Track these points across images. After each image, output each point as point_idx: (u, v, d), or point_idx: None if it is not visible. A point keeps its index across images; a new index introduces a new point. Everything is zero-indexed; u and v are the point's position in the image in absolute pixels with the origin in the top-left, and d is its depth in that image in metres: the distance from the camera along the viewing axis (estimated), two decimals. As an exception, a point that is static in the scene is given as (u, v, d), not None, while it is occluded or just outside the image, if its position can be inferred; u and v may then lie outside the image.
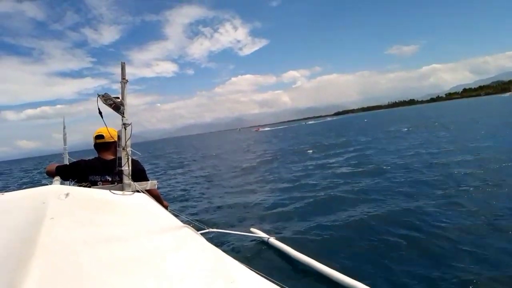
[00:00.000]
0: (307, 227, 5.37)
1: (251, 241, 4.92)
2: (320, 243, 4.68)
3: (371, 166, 10.46)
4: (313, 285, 3.46)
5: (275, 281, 1.14)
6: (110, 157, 2.63)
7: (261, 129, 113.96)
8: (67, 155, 3.95)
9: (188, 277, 1.04)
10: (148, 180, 2.44)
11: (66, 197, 1.39)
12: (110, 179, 2.48)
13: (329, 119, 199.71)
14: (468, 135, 15.36)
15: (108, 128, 2.54)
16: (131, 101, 2.26)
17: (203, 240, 1.45)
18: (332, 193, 7.43)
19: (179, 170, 17.64)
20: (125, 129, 2.15)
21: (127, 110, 2.18)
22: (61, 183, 2.54)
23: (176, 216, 1.82)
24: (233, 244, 4.92)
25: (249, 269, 1.19)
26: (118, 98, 2.14)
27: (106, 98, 2.07)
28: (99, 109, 2.07)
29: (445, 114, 43.45)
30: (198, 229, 2.85)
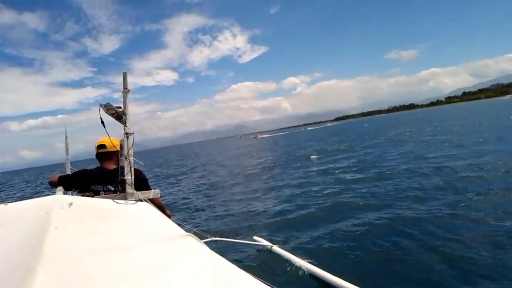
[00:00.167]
0: (311, 235, 5.34)
1: (254, 249, 4.89)
2: (324, 250, 4.65)
3: (375, 171, 10.42)
4: (317, 293, 3.45)
5: None
6: (112, 166, 2.63)
7: (259, 136, 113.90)
8: (69, 165, 3.95)
9: (193, 286, 1.03)
10: (151, 189, 2.44)
11: (69, 207, 1.39)
12: (112, 188, 2.47)
13: (329, 124, 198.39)
14: (473, 138, 15.26)
15: (110, 138, 2.55)
16: (133, 110, 2.27)
17: (206, 248, 1.45)
18: (335, 200, 7.39)
19: (181, 178, 17.62)
20: (127, 139, 2.15)
21: (129, 119, 2.19)
22: (64, 193, 2.54)
23: (179, 225, 1.82)
24: (236, 252, 4.90)
25: (253, 278, 1.19)
26: (120, 107, 2.15)
27: (108, 108, 2.08)
28: (101, 118, 2.08)
29: (447, 117, 43.23)
30: (201, 237, 2.85)
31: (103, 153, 2.67)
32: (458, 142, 14.68)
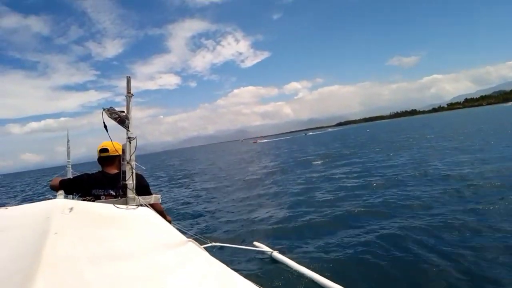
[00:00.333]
0: (313, 242, 5.31)
1: (255, 255, 4.86)
2: (326, 258, 4.60)
3: (379, 178, 10.30)
4: (318, 300, 3.41)
5: None
6: (114, 171, 2.63)
7: (259, 141, 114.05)
8: (70, 168, 3.95)
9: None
10: (152, 195, 2.43)
11: (70, 212, 1.39)
12: (113, 193, 2.47)
13: (330, 130, 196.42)
14: (478, 145, 15.17)
15: (113, 142, 2.55)
16: (135, 114, 2.27)
17: (207, 254, 1.44)
18: (339, 206, 7.31)
19: (182, 183, 17.58)
20: (130, 143, 2.15)
21: (132, 124, 2.19)
22: (65, 197, 2.54)
23: (179, 230, 1.81)
24: (236, 258, 4.87)
25: (254, 285, 1.18)
26: (123, 112, 2.15)
27: (111, 112, 2.08)
28: (104, 122, 2.08)
29: (451, 123, 43.02)
30: (201, 243, 2.83)
31: (105, 157, 2.67)
32: (463, 148, 14.58)
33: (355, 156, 18.56)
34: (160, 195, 2.42)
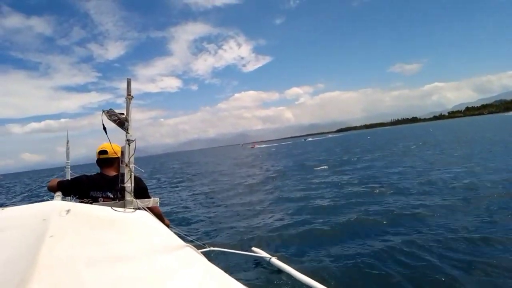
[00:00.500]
0: (312, 248, 5.27)
1: (253, 260, 4.83)
2: (326, 265, 4.57)
3: (380, 184, 10.20)
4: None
5: None
6: (112, 173, 2.62)
7: (257, 146, 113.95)
8: (69, 169, 3.94)
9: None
10: (150, 198, 2.41)
11: (67, 214, 1.37)
12: (111, 195, 2.45)
13: (330, 136, 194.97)
14: (483, 153, 15.05)
15: (112, 144, 2.53)
16: (135, 116, 2.26)
17: (205, 260, 1.43)
18: (340, 213, 7.23)
19: (181, 186, 17.58)
20: (129, 145, 2.14)
21: (132, 126, 2.18)
22: (63, 199, 2.52)
23: (177, 234, 1.79)
24: (234, 263, 4.83)
25: None
26: (123, 114, 2.14)
27: (110, 114, 2.07)
28: (103, 124, 2.07)
29: (454, 131, 42.81)
30: (199, 248, 2.82)
31: (104, 159, 2.66)
32: (467, 157, 14.43)
33: (356, 162, 18.56)
34: (158, 198, 2.41)
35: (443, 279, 3.77)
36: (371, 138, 58.16)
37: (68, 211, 1.40)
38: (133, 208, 1.95)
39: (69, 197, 2.62)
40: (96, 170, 2.76)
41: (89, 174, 2.71)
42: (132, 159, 2.14)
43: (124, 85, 2.21)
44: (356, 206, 7.73)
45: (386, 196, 8.56)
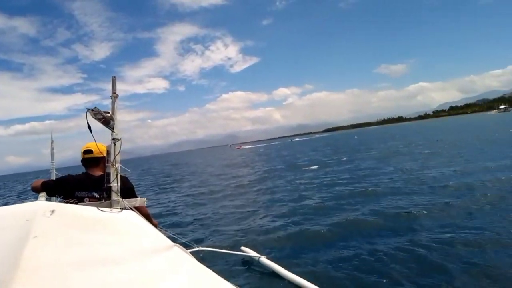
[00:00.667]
0: (301, 248, 5.30)
1: (242, 260, 4.83)
2: (313, 263, 4.60)
3: (372, 184, 10.17)
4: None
5: None
6: (98, 173, 2.57)
7: (242, 147, 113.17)
8: (54, 170, 3.86)
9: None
10: (137, 197, 2.37)
11: (51, 214, 1.33)
12: (97, 195, 2.41)
13: (317, 136, 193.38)
14: (471, 153, 14.99)
15: (97, 143, 2.49)
16: (123, 117, 2.22)
17: (193, 260, 1.41)
18: (327, 213, 7.25)
19: (169, 187, 17.45)
20: (115, 144, 2.10)
21: (117, 124, 2.14)
22: (47, 199, 2.46)
23: (165, 234, 1.77)
24: (223, 263, 4.82)
25: None
26: (108, 112, 2.10)
27: (95, 113, 2.03)
28: (88, 123, 2.03)
29: (441, 131, 42.90)
30: (188, 248, 2.79)
31: (89, 159, 2.61)
32: (457, 156, 14.38)
33: (345, 162, 18.66)
34: (145, 198, 2.37)
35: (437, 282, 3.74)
36: (358, 138, 58.43)
37: (52, 211, 1.36)
38: (120, 208, 1.92)
39: (54, 198, 2.56)
40: (82, 171, 2.71)
41: (74, 174, 2.65)
42: (118, 158, 2.10)
43: (110, 86, 2.18)
44: (346, 206, 7.72)
45: (377, 196, 8.54)
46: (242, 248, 5.04)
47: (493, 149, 15.22)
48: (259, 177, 17.03)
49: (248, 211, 8.64)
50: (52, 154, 3.96)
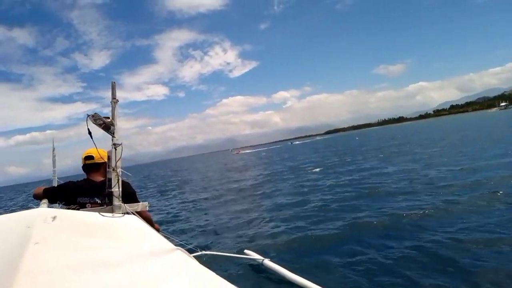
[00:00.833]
0: (306, 250, 5.25)
1: (246, 263, 4.81)
2: (319, 266, 4.57)
3: (377, 186, 9.89)
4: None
5: None
6: (99, 178, 2.57)
7: (241, 152, 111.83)
8: (56, 177, 3.86)
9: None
10: (139, 202, 2.37)
11: (53, 220, 1.33)
12: (99, 201, 2.41)
13: (318, 138, 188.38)
14: (474, 152, 14.65)
15: (98, 149, 2.49)
16: (122, 125, 2.22)
17: (197, 263, 1.40)
18: (331, 216, 7.17)
19: (170, 193, 17.43)
20: (115, 150, 2.10)
21: (118, 130, 2.14)
22: (49, 206, 2.47)
23: (167, 238, 1.76)
24: (227, 266, 4.80)
25: None
26: (108, 118, 2.11)
27: (96, 118, 2.04)
28: (88, 129, 2.03)
29: (444, 130, 42.45)
30: (191, 252, 2.77)
31: (90, 165, 2.61)
32: (461, 156, 14.06)
33: (349, 164, 18.50)
34: (147, 202, 2.37)
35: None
36: (359, 139, 58.21)
37: (54, 217, 1.36)
38: (122, 213, 1.92)
39: (56, 204, 2.56)
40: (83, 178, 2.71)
41: (75, 180, 2.65)
42: (119, 163, 2.10)
43: (109, 93, 2.19)
44: (351, 208, 7.59)
45: (382, 197, 8.36)
46: (246, 251, 5.02)
47: (499, 146, 15.03)
48: (261, 180, 16.96)
49: (252, 215, 8.60)
50: (54, 161, 3.97)
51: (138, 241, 1.52)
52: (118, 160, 2.10)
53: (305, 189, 11.69)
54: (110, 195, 2.07)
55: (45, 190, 2.61)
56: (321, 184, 12.17)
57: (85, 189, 2.49)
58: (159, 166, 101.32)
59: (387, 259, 4.43)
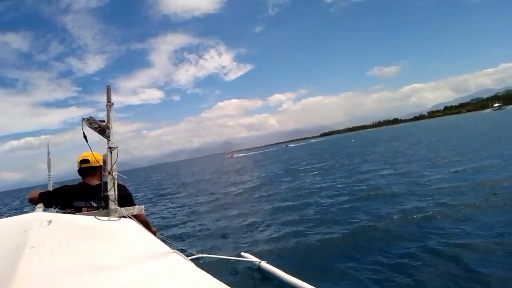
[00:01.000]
0: (303, 253, 5.23)
1: (242, 266, 4.81)
2: (315, 267, 4.58)
3: (375, 188, 9.78)
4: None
5: None
6: (95, 182, 2.56)
7: (235, 155, 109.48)
8: (51, 181, 3.84)
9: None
10: (135, 205, 2.37)
11: (48, 225, 1.33)
12: (95, 204, 2.40)
13: (313, 140, 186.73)
14: (471, 153, 14.36)
15: (93, 153, 2.49)
16: (118, 129, 2.22)
17: (193, 266, 1.41)
18: (331, 219, 7.10)
19: (167, 197, 17.36)
20: (111, 153, 2.10)
21: (113, 133, 2.14)
22: (44, 210, 2.46)
23: (164, 241, 1.76)
24: (223, 269, 4.79)
25: None
26: (104, 121, 2.11)
27: (91, 122, 2.04)
28: (83, 132, 2.03)
29: (438, 131, 42.15)
30: (187, 255, 2.77)
31: (86, 168, 2.61)
32: (458, 157, 13.89)
33: (344, 166, 18.46)
34: (143, 206, 2.37)
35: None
36: (355, 141, 58.16)
37: (50, 221, 1.36)
38: (118, 217, 1.92)
39: (51, 208, 2.55)
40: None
41: (71, 184, 2.65)
42: (114, 167, 2.10)
43: (105, 98, 2.19)
44: (349, 210, 7.54)
45: (380, 199, 8.23)
46: (242, 253, 5.02)
47: (496, 147, 15.04)
48: (258, 183, 16.88)
49: (248, 219, 8.56)
50: (49, 165, 3.95)
51: (135, 244, 1.53)
52: (114, 163, 2.10)
53: (302, 192, 11.59)
54: (106, 198, 2.07)
55: (41, 194, 2.60)
56: (317, 187, 12.15)
57: (81, 193, 2.48)
58: (155, 170, 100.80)
59: (385, 264, 4.39)
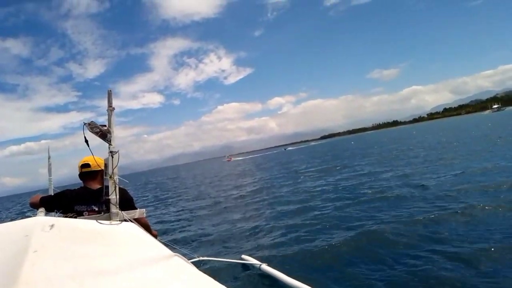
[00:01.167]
0: (304, 256, 5.20)
1: (243, 268, 4.81)
2: (315, 268, 4.58)
3: (377, 191, 9.67)
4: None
5: None
6: (96, 186, 2.57)
7: (233, 159, 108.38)
8: (52, 186, 3.84)
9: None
10: (137, 209, 2.37)
11: (50, 229, 1.34)
12: (96, 208, 2.41)
13: (313, 143, 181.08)
14: (471, 154, 14.39)
15: (95, 157, 2.50)
16: (118, 133, 2.23)
17: (195, 269, 1.41)
18: (330, 220, 7.10)
19: (167, 201, 17.34)
20: (112, 157, 2.11)
21: (114, 137, 2.15)
22: (46, 215, 2.46)
23: (165, 245, 1.77)
24: (225, 272, 4.79)
25: None
26: (105, 126, 2.12)
27: (92, 126, 2.05)
28: (85, 137, 2.04)
29: (438, 133, 41.86)
30: (188, 258, 2.77)
31: (87, 172, 2.61)
32: (459, 158, 13.79)
33: (345, 168, 18.34)
34: (144, 209, 2.37)
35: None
36: (355, 144, 57.92)
37: (52, 226, 1.37)
38: (119, 220, 1.92)
39: (53, 213, 2.55)
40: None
41: (72, 188, 2.65)
42: (116, 171, 2.11)
43: (105, 102, 2.20)
44: (352, 214, 7.46)
45: (383, 202, 8.10)
46: (243, 256, 5.02)
47: (498, 149, 14.96)
48: (259, 187, 16.80)
49: (249, 222, 8.56)
50: (50, 170, 3.96)
51: (136, 248, 1.53)
52: (115, 167, 2.11)
53: (303, 195, 11.50)
54: (108, 202, 2.07)
55: (42, 199, 2.61)
56: (318, 190, 12.08)
57: (82, 197, 2.49)
58: (156, 174, 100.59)
59: (390, 268, 4.30)
